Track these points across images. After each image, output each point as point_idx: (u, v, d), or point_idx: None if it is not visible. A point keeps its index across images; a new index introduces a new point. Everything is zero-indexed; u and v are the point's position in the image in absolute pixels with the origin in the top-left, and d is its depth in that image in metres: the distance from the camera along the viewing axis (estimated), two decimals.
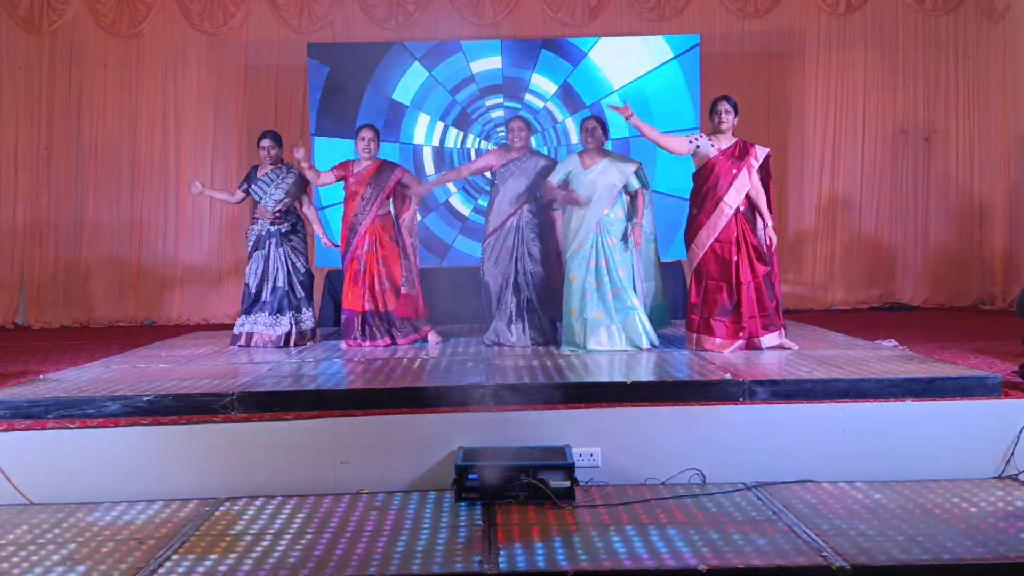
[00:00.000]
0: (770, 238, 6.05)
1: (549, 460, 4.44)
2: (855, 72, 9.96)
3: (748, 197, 6.03)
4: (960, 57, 9.95)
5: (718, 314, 6.00)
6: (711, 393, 4.91)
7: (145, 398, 4.87)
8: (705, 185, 6.02)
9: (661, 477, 4.65)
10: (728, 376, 5.06)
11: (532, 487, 4.33)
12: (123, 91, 9.85)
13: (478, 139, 9.01)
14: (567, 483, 4.36)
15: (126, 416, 4.79)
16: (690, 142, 6.06)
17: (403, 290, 6.74)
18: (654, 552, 3.72)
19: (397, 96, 8.99)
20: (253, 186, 6.88)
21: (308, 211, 7.10)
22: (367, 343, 6.68)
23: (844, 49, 9.96)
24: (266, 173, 6.90)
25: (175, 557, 3.78)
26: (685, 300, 8.51)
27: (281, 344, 6.76)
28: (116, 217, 9.88)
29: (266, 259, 6.82)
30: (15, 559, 3.81)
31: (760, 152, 6.05)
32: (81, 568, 3.70)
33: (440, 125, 9.01)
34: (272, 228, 6.83)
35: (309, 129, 9.22)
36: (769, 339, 6.03)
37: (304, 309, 6.92)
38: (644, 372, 5.45)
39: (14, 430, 4.67)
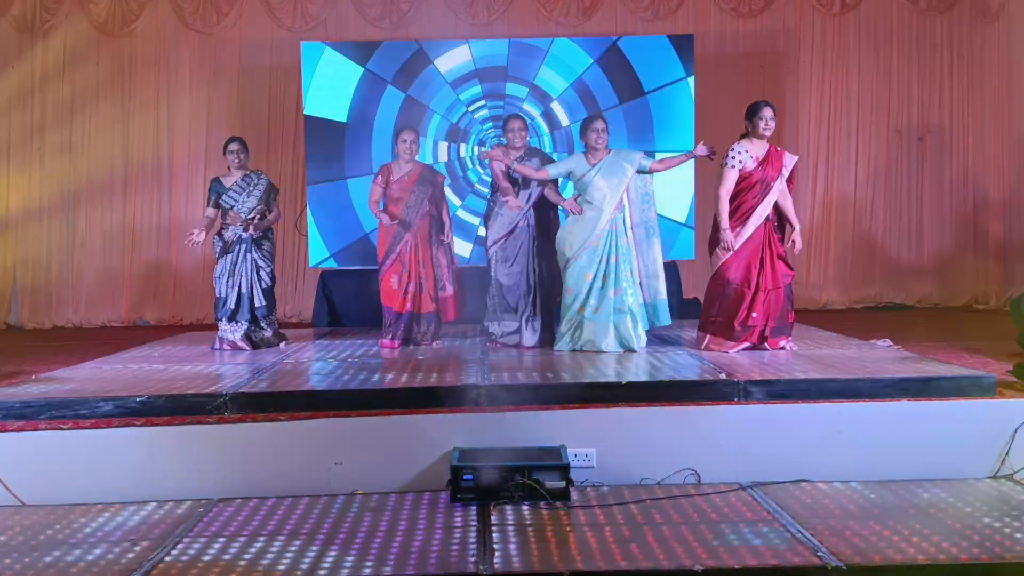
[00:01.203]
0: (794, 241, 6.08)
1: (544, 460, 4.44)
2: (849, 72, 9.97)
3: (775, 204, 6.04)
4: (954, 57, 9.96)
5: (736, 320, 5.99)
6: (706, 393, 4.91)
7: (138, 399, 4.85)
8: (740, 196, 5.98)
9: (656, 477, 4.65)
10: (723, 376, 5.06)
11: (527, 487, 4.33)
12: (116, 90, 9.82)
13: (474, 147, 8.98)
14: (562, 483, 4.35)
15: (119, 417, 4.77)
16: (732, 167, 5.98)
17: (450, 290, 6.73)
18: (649, 552, 3.71)
19: (379, 124, 8.85)
20: (224, 196, 6.78)
21: (271, 215, 6.90)
22: (403, 343, 6.62)
23: (838, 49, 9.97)
24: (235, 181, 6.79)
25: (168, 559, 3.76)
26: (679, 300, 8.59)
27: (242, 349, 6.68)
28: (109, 216, 9.85)
29: (234, 265, 6.74)
30: (7, 560, 3.79)
31: (789, 160, 6.06)
32: (74, 570, 3.69)
33: (430, 142, 8.97)
34: (244, 235, 6.76)
35: (302, 127, 9.19)
36: (778, 344, 6.06)
37: (262, 318, 6.79)
38: (639, 372, 5.44)
39: (6, 431, 4.65)
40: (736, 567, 3.56)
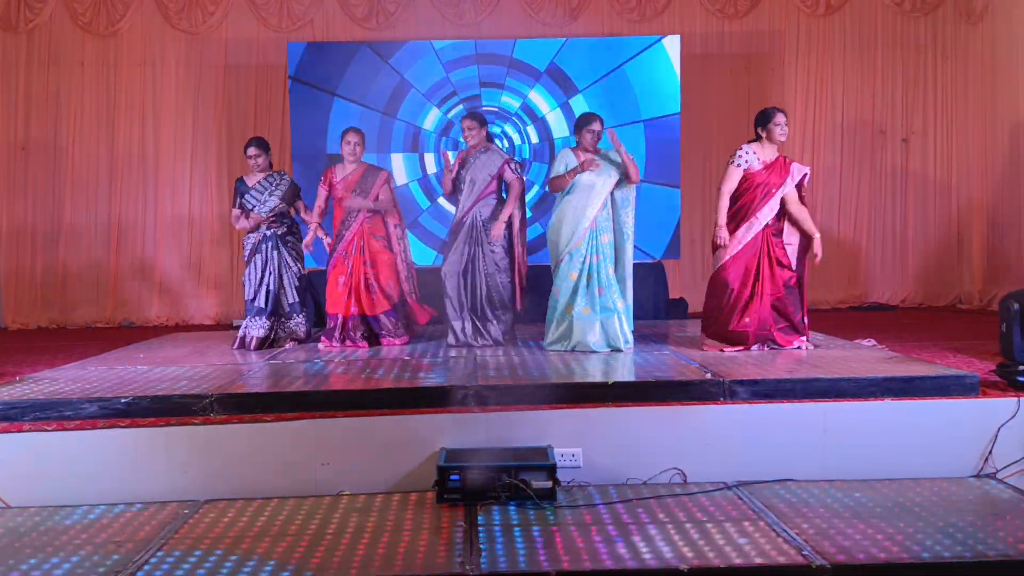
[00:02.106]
0: (816, 254, 6.11)
1: (531, 460, 4.44)
2: (834, 73, 10.02)
3: (790, 215, 6.09)
4: (939, 58, 10.03)
5: (733, 323, 6.01)
6: (692, 393, 4.92)
7: (123, 400, 4.83)
8: (742, 199, 6.02)
9: (642, 477, 4.66)
10: (709, 376, 5.07)
11: (514, 487, 4.33)
12: (101, 90, 9.78)
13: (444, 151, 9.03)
14: (549, 483, 4.36)
15: (104, 418, 4.75)
16: (738, 166, 6.04)
17: (409, 297, 6.76)
18: (635, 552, 3.72)
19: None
20: (247, 196, 6.80)
21: (307, 215, 6.92)
22: (347, 344, 6.65)
23: (823, 50, 10.02)
24: (258, 182, 6.82)
25: (154, 561, 3.75)
26: (665, 300, 8.61)
27: (261, 347, 6.68)
28: (94, 217, 9.80)
29: (264, 263, 6.76)
30: None
31: (798, 171, 6.08)
32: (58, 572, 3.67)
33: (417, 156, 8.99)
34: (268, 232, 6.78)
35: (289, 127, 9.20)
36: (791, 343, 6.09)
37: (295, 315, 6.85)
38: (625, 372, 5.45)
39: None
40: (722, 566, 3.57)
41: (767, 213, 6.01)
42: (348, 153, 6.70)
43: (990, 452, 4.73)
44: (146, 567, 3.68)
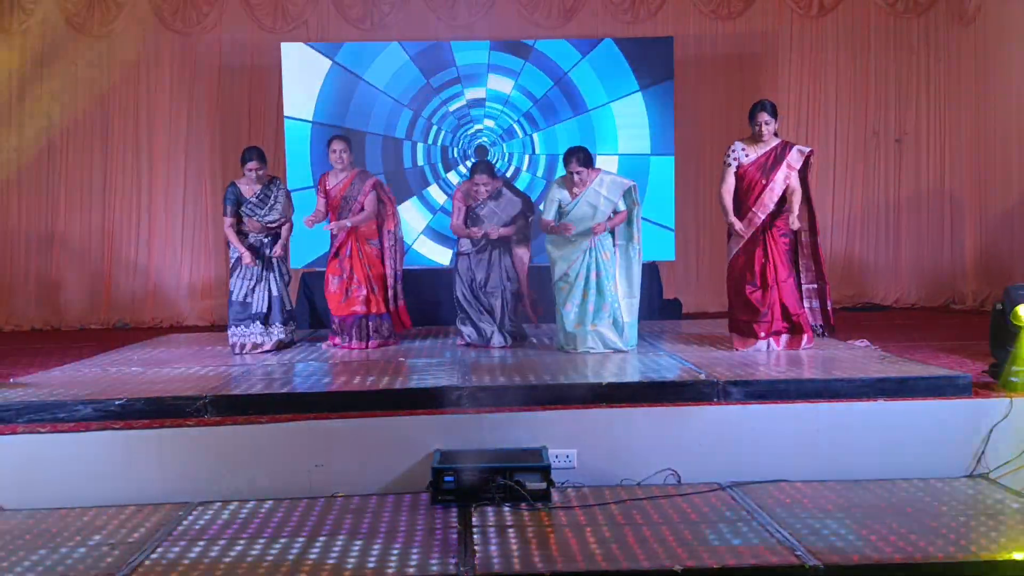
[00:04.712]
0: (794, 224, 6.04)
1: (525, 462, 4.46)
2: (827, 74, 10.03)
3: (784, 199, 6.09)
4: (931, 59, 10.04)
5: (745, 314, 6.06)
6: (686, 394, 4.94)
7: (117, 402, 4.82)
8: (739, 192, 6.09)
9: (636, 478, 4.67)
10: (703, 377, 5.09)
11: (508, 489, 4.34)
12: (94, 91, 9.74)
13: (457, 150, 9.06)
14: (543, 484, 4.37)
15: (98, 420, 4.74)
16: (729, 165, 6.10)
17: (401, 300, 6.78)
18: (630, 553, 3.73)
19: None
20: (244, 207, 6.68)
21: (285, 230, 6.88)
22: (353, 345, 6.66)
23: (816, 51, 10.03)
24: (255, 193, 6.70)
25: (147, 563, 3.75)
26: (659, 300, 8.62)
27: (272, 351, 6.67)
28: (88, 218, 9.77)
29: (260, 270, 6.71)
30: None
31: (798, 153, 6.08)
32: (52, 574, 3.66)
33: (408, 144, 9.05)
34: (266, 240, 6.73)
35: (282, 128, 9.19)
36: (794, 341, 6.12)
37: (280, 323, 6.74)
38: (619, 373, 5.46)
39: None
40: (716, 567, 3.58)
41: (767, 203, 6.04)
42: (335, 160, 6.68)
43: (983, 452, 4.75)
44: (140, 568, 3.68)
